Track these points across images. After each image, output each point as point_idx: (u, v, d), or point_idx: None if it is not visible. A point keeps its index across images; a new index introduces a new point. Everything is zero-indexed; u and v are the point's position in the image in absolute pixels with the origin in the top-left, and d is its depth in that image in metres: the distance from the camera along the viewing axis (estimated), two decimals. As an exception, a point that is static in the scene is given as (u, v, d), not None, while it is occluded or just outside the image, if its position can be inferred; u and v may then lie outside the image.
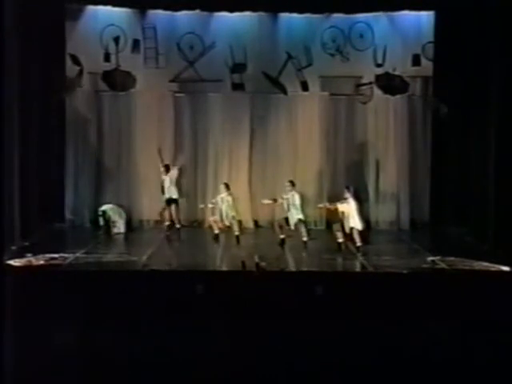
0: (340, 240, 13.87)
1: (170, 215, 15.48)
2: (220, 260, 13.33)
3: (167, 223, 15.39)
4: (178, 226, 15.39)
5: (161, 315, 10.46)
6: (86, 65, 16.66)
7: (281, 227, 14.53)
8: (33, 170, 14.83)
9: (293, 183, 14.54)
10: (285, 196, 14.45)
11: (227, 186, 14.93)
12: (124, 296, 10.78)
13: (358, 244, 13.66)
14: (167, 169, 15.44)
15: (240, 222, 15.52)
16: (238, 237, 14.62)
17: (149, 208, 16.52)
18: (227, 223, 14.73)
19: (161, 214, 15.63)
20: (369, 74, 16.95)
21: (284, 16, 16.84)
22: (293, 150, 17.11)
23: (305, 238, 14.26)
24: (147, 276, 11.95)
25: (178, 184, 15.64)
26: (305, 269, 12.88)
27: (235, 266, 12.43)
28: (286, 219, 14.42)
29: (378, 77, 16.95)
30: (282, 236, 14.45)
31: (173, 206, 15.39)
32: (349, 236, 13.81)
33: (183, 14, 16.77)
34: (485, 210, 14.57)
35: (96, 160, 16.98)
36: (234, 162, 17.12)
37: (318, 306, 10.79)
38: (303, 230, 14.33)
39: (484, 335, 10.03)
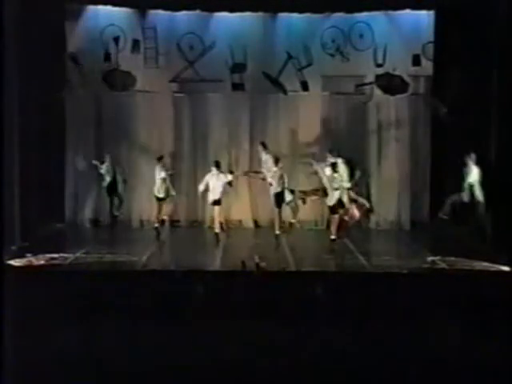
0: (333, 237, 13.88)
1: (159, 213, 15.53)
2: (220, 260, 13.34)
3: (156, 225, 15.31)
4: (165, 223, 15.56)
5: (161, 315, 10.45)
6: (86, 65, 16.67)
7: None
8: (33, 169, 14.82)
9: (264, 145, 15.50)
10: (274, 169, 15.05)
11: (217, 165, 14.98)
12: (124, 296, 10.78)
13: (333, 237, 13.74)
14: (160, 159, 15.40)
15: (240, 222, 15.64)
16: (217, 234, 14.81)
17: (149, 208, 16.49)
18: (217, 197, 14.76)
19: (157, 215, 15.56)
20: (369, 73, 16.96)
21: (284, 16, 16.84)
22: (293, 150, 17.10)
23: (293, 220, 14.96)
24: (147, 276, 11.95)
25: (170, 182, 15.59)
26: (305, 269, 12.89)
27: (235, 265, 12.44)
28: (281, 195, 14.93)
29: (378, 77, 16.97)
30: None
31: (162, 205, 15.40)
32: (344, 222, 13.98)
33: (183, 14, 16.78)
34: (485, 209, 14.56)
35: (96, 160, 16.95)
36: (233, 162, 17.11)
37: (318, 306, 10.78)
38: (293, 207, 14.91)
39: (484, 335, 10.02)
